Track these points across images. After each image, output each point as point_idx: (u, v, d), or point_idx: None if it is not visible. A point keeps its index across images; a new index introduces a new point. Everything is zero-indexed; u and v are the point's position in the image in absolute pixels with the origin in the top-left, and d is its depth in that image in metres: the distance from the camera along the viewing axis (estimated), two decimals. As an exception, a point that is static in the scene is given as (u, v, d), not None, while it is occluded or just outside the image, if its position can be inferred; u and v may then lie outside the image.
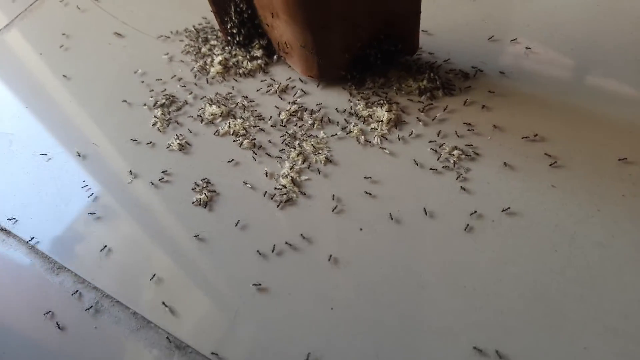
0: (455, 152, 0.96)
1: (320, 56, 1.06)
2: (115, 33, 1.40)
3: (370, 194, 0.93)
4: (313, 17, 0.97)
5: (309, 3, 0.94)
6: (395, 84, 1.10)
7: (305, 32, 1.01)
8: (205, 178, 1.02)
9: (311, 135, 1.05)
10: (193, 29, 1.35)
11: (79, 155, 1.13)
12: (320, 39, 1.02)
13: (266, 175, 1.00)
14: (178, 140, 1.10)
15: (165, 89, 1.22)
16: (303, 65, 1.12)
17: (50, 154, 1.15)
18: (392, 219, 0.89)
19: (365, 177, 0.96)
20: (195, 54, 1.29)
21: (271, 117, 1.11)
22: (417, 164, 0.96)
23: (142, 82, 1.26)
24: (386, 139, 1.02)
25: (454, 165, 0.94)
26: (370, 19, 1.02)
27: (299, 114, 1.09)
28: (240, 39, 1.22)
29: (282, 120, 1.09)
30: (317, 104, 1.11)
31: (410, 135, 1.01)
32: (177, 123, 1.15)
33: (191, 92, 1.19)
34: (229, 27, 1.21)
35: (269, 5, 1.06)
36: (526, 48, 1.10)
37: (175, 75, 1.25)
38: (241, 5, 1.15)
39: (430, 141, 0.99)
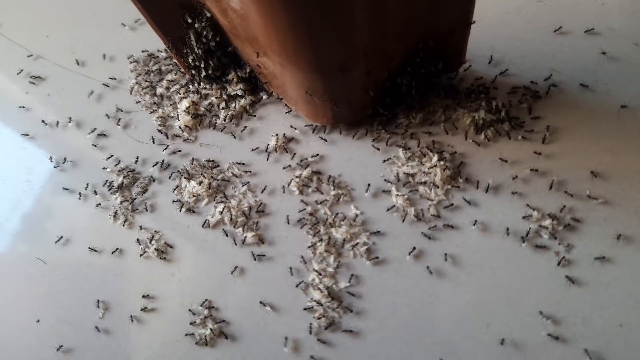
0: (547, 222, 0.74)
1: (335, 102, 0.79)
2: (31, 76, 1.08)
3: (433, 310, 0.72)
4: (326, 61, 0.70)
5: (319, 46, 0.66)
6: (441, 119, 0.85)
7: (313, 78, 0.74)
8: (206, 300, 0.79)
9: (338, 214, 0.81)
10: (138, 58, 1.04)
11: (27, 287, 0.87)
12: (335, 83, 0.75)
13: (299, 284, 0.77)
14: (155, 242, 0.85)
15: (119, 161, 0.94)
16: (309, 111, 0.86)
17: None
18: (482, 341, 0.68)
19: (428, 274, 0.74)
20: (150, 98, 0.99)
21: (275, 189, 0.85)
22: (499, 247, 0.74)
23: (84, 150, 0.97)
24: (443, 206, 0.79)
25: (555, 239, 0.73)
26: (403, 44, 0.75)
27: (314, 182, 0.84)
28: (210, 72, 0.93)
29: (292, 193, 0.84)
30: (335, 156, 0.85)
31: (476, 197, 0.78)
32: (147, 210, 0.88)
33: (156, 163, 0.92)
34: (190, 59, 0.91)
35: (252, 42, 0.77)
36: (602, 53, 0.85)
37: (128, 136, 0.97)
38: (205, 32, 0.85)
39: (506, 208, 0.76)
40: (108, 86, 1.03)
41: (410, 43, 0.76)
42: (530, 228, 0.74)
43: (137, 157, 0.93)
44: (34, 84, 1.07)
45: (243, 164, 0.89)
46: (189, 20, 0.84)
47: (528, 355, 0.67)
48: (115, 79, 1.04)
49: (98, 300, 0.82)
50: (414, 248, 0.76)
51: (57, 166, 0.95)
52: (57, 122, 1.01)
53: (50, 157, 0.96)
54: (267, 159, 0.88)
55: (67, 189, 0.92)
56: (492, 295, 0.71)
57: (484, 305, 0.71)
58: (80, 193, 0.92)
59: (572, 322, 0.68)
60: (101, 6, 1.14)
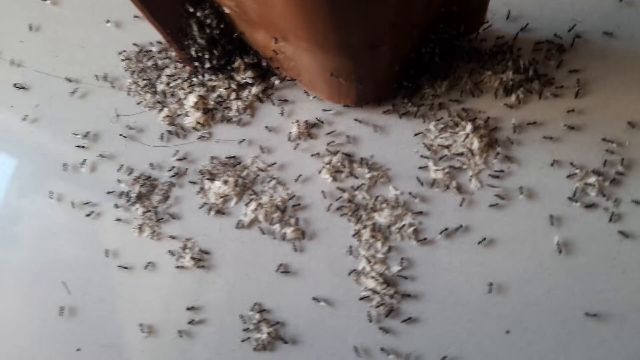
0: (592, 178, 0.74)
1: (360, 80, 0.76)
2: (15, 86, 0.99)
3: (492, 282, 0.72)
4: (357, 40, 0.66)
5: (351, 27, 0.62)
6: (467, 85, 0.82)
7: (341, 60, 0.70)
8: (256, 304, 0.77)
9: (378, 197, 0.79)
10: (130, 55, 0.97)
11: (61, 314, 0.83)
12: (364, 61, 0.71)
13: (350, 274, 0.75)
14: (188, 251, 0.81)
15: (131, 170, 0.88)
16: (331, 92, 0.82)
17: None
18: (546, 308, 0.69)
19: (481, 247, 0.73)
20: (152, 96, 0.93)
21: (306, 178, 0.82)
22: (548, 210, 0.74)
23: (93, 162, 0.90)
24: (485, 175, 0.77)
25: (603, 195, 0.73)
26: (426, 12, 0.71)
27: (347, 166, 0.81)
28: (214, 62, 0.87)
29: (325, 180, 0.81)
30: (363, 136, 0.82)
31: (517, 163, 0.77)
32: (173, 218, 0.84)
33: (171, 167, 0.87)
34: (193, 51, 0.85)
35: (268, 27, 0.72)
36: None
37: (136, 141, 0.91)
38: (208, 21, 0.79)
39: (549, 169, 0.76)
40: (81, 87, 0.96)
41: (434, 10, 0.73)
42: (576, 187, 0.74)
43: (151, 163, 0.88)
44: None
45: (267, 155, 0.85)
46: (191, 10, 0.78)
47: (594, 316, 0.68)
48: (107, 79, 0.96)
49: (141, 325, 0.79)
50: (461, 225, 0.75)
51: (55, 198, 0.89)
52: (54, 136, 0.94)
53: (50, 192, 0.90)
54: (295, 148, 0.84)
55: (81, 204, 0.87)
56: (548, 259, 0.71)
57: (542, 271, 0.71)
58: (93, 210, 0.86)
59: (629, 276, 0.69)
60: (77, 2, 1.04)
